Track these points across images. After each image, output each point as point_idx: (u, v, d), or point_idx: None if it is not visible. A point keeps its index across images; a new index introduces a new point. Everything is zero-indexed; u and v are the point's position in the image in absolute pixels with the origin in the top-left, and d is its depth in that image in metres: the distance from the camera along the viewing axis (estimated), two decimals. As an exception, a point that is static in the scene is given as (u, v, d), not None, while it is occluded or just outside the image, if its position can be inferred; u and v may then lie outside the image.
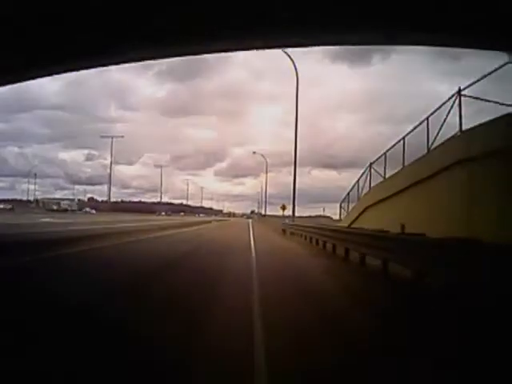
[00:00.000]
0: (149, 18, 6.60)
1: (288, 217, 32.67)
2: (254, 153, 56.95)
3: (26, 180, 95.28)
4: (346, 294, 5.69)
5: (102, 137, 74.35)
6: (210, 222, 50.23)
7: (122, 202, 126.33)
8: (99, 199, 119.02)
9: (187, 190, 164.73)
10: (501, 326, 3.57)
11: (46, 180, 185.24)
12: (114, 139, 66.16)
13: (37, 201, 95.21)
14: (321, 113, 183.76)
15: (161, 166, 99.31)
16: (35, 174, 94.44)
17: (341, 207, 19.90)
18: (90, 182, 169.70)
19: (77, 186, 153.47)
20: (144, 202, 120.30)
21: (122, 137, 74.01)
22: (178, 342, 3.12)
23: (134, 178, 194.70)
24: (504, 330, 3.48)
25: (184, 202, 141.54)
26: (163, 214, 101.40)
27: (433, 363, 2.84)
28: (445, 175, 9.30)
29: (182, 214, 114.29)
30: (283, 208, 39.15)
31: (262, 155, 55.52)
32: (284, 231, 25.32)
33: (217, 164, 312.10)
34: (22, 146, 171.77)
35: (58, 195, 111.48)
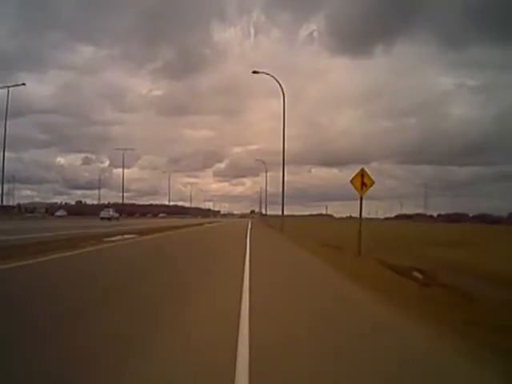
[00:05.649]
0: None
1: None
2: (255, 72, 31.67)
3: (24, 186, 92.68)
4: None
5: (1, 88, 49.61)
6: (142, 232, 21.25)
7: (109, 203, 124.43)
8: (89, 203, 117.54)
9: (169, 191, 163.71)
10: None
11: (45, 185, 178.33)
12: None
13: (19, 206, 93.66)
14: (321, 108, 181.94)
15: (123, 166, 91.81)
16: (14, 176, 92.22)
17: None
18: (89, 185, 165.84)
19: (77, 191, 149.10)
20: (136, 205, 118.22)
21: (24, 84, 54.18)
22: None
23: (133, 181, 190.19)
24: None
25: (180, 203, 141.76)
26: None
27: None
28: None
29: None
30: (364, 180, 12.04)
31: (274, 77, 31.50)
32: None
33: (216, 165, 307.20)
34: (18, 151, 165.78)
35: (57, 200, 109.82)
